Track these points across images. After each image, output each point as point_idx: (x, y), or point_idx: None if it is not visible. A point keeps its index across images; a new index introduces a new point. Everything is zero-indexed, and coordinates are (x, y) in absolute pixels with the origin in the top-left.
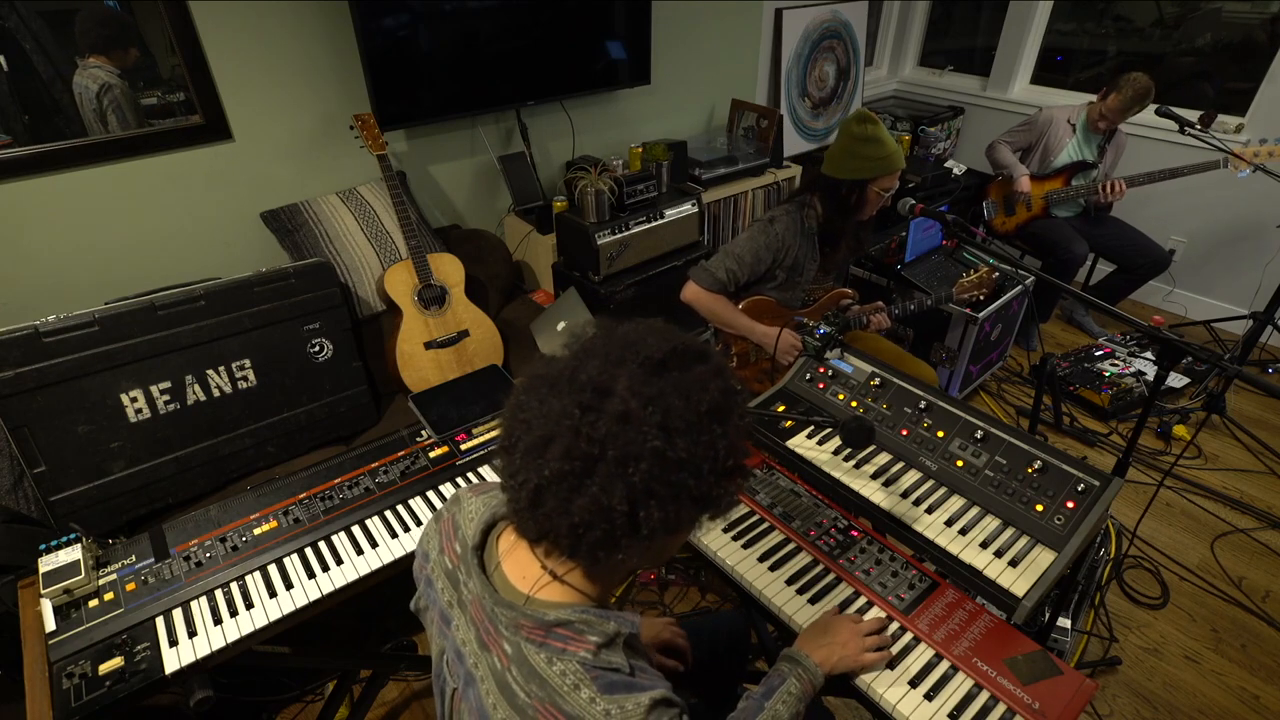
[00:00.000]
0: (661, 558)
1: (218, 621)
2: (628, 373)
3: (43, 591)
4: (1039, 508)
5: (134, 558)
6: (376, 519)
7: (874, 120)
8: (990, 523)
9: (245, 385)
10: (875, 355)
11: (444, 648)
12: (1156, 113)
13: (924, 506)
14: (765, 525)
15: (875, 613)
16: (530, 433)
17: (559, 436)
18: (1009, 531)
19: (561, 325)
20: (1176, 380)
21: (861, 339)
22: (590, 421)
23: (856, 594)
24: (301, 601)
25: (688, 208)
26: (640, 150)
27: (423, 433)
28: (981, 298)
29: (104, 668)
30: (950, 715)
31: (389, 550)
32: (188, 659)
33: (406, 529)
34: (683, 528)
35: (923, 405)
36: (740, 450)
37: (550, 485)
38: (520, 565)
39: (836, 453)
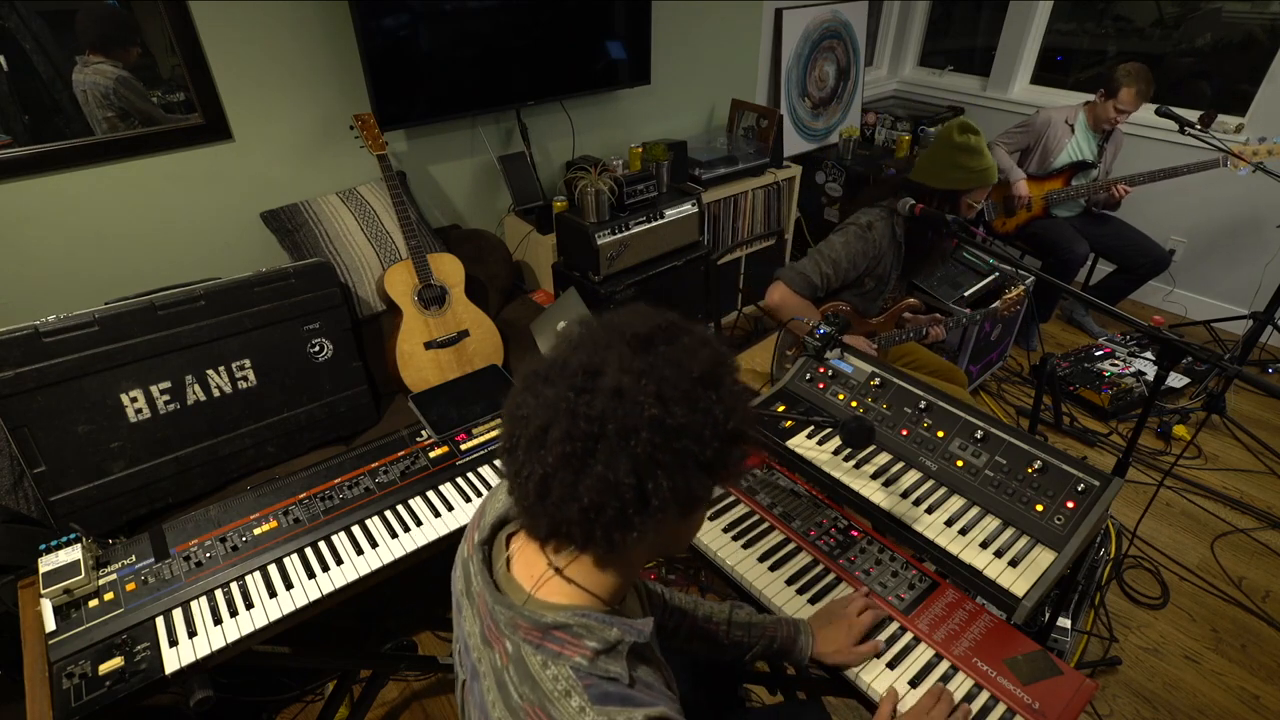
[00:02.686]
0: (680, 541)
1: (218, 621)
2: (617, 353)
3: (43, 591)
4: (1039, 508)
5: (134, 558)
6: (376, 519)
7: (977, 131)
8: (990, 523)
9: (245, 385)
10: (921, 366)
11: (459, 636)
12: (1156, 113)
13: (924, 506)
14: (765, 525)
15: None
16: (529, 426)
17: (556, 421)
18: (1009, 531)
19: (562, 325)
20: (1176, 380)
21: (912, 349)
22: (586, 402)
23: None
24: (301, 601)
25: (688, 208)
26: (640, 150)
27: (423, 433)
28: (1018, 310)
29: (104, 668)
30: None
31: (389, 550)
32: (188, 659)
33: (406, 529)
34: (695, 500)
35: (923, 405)
36: (740, 413)
37: (555, 472)
38: (528, 564)
39: (836, 453)
